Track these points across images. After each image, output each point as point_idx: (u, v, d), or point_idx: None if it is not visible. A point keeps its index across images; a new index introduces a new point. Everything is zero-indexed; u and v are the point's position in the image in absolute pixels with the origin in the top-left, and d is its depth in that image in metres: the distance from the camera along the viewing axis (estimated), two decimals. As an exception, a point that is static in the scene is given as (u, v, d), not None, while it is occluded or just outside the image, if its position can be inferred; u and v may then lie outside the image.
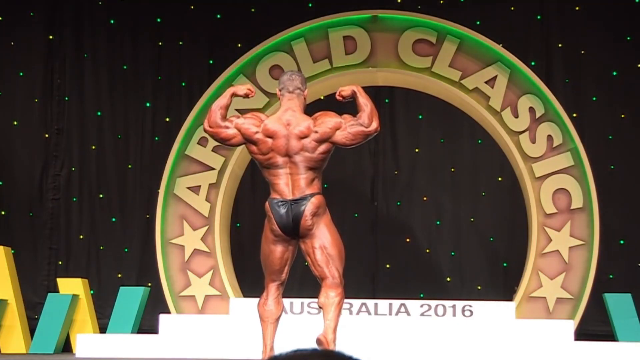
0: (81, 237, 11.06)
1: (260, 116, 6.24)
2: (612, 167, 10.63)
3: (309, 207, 5.96)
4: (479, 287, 10.80)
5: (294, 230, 6.00)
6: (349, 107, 6.50)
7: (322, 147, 6.04)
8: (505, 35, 10.47)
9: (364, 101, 6.11)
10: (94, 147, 11.12)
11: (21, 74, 11.18)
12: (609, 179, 10.47)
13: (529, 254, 9.59)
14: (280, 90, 6.23)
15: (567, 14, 10.81)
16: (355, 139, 6.09)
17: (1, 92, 11.21)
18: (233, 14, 11.07)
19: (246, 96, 6.35)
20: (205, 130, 6.32)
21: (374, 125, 6.08)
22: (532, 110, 9.70)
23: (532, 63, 10.42)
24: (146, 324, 9.93)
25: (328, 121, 6.06)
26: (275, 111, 6.69)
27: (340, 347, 5.44)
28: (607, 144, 10.64)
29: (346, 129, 6.05)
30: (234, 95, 6.29)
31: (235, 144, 6.27)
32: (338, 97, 6.26)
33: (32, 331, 9.69)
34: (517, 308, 9.30)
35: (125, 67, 11.15)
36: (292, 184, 6.00)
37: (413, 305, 9.26)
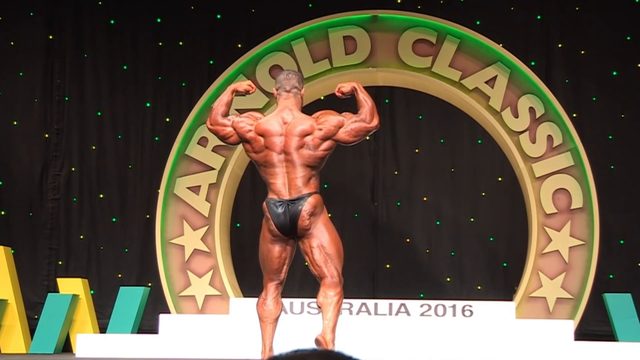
0: (81, 237, 11.06)
1: (256, 115, 6.27)
2: (612, 167, 10.63)
3: (306, 207, 5.96)
4: (479, 287, 10.80)
5: (291, 230, 6.00)
6: (348, 105, 6.50)
7: (325, 145, 6.06)
8: (505, 35, 10.46)
9: (364, 97, 6.13)
10: (94, 147, 11.12)
11: (21, 74, 11.18)
12: (609, 179, 10.46)
13: (529, 254, 9.59)
14: (277, 90, 6.24)
15: (567, 14, 10.81)
16: (357, 136, 6.12)
17: (1, 92, 11.21)
18: (233, 14, 11.07)
19: (247, 92, 6.38)
20: (207, 129, 6.37)
21: (375, 121, 6.12)
22: (532, 110, 9.70)
23: (532, 63, 10.42)
24: (146, 324, 9.93)
25: (331, 119, 6.09)
26: (273, 111, 6.70)
27: (340, 347, 5.44)
28: (607, 144, 10.64)
29: (348, 126, 6.08)
30: (235, 91, 6.32)
31: (232, 142, 6.30)
32: (337, 93, 6.28)
33: (32, 331, 9.69)
34: (517, 308, 9.30)
35: (125, 67, 11.15)
36: (288, 183, 6.01)
37: (413, 305, 9.26)
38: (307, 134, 6.03)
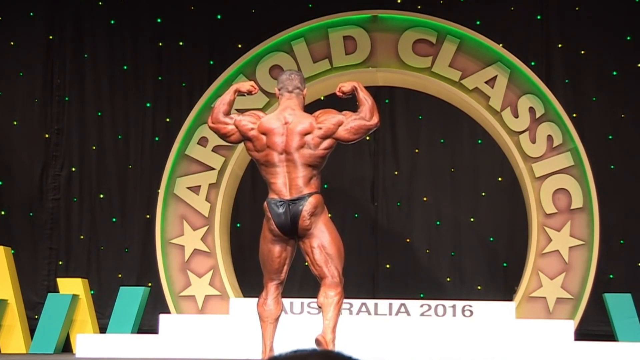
0: (81, 237, 11.06)
1: (258, 114, 6.28)
2: (612, 167, 10.63)
3: (307, 207, 5.96)
4: (479, 287, 10.80)
5: (292, 230, 6.00)
6: (348, 105, 6.51)
7: (325, 144, 6.06)
8: (505, 35, 10.47)
9: (364, 96, 6.14)
10: (94, 147, 11.12)
11: (21, 74, 11.18)
12: (609, 179, 10.46)
13: (529, 254, 9.59)
14: (279, 90, 6.25)
15: (567, 14, 10.81)
16: (357, 134, 6.11)
17: (1, 92, 11.21)
18: (233, 14, 11.08)
19: (249, 93, 6.38)
20: (209, 127, 6.37)
21: (375, 119, 6.11)
22: (532, 110, 9.70)
23: (532, 63, 10.42)
24: (146, 324, 9.94)
25: (331, 118, 6.09)
26: (275, 109, 6.70)
27: (340, 347, 5.44)
28: (607, 144, 10.64)
29: (348, 124, 6.08)
30: (237, 91, 6.32)
31: (234, 140, 6.30)
32: (338, 93, 6.29)
33: (32, 331, 9.69)
34: (517, 308, 9.30)
35: (125, 67, 11.15)
36: (289, 183, 6.01)
37: (413, 305, 9.26)
38: (307, 133, 6.04)
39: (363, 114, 6.10)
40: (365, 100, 6.12)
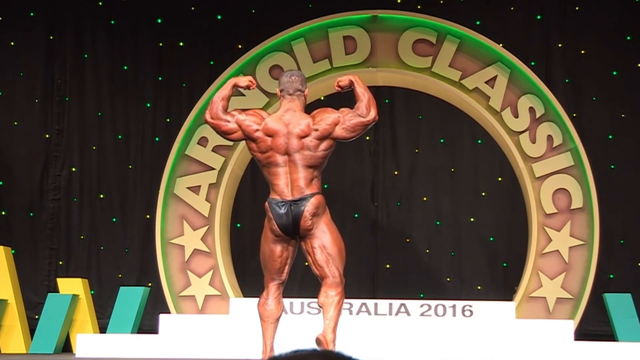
0: (81, 237, 11.06)
1: (261, 114, 6.24)
2: (612, 167, 10.64)
3: (308, 208, 5.96)
4: (479, 287, 10.80)
5: (293, 230, 6.00)
6: (348, 102, 6.50)
7: (324, 145, 6.05)
8: (505, 35, 10.47)
9: (361, 91, 6.10)
10: (94, 147, 11.12)
11: (21, 74, 11.18)
12: (609, 179, 10.46)
13: (529, 254, 9.59)
14: (280, 91, 6.24)
15: (567, 14, 10.81)
16: (355, 131, 6.08)
17: (1, 92, 11.21)
18: (233, 14, 11.08)
19: (247, 88, 6.37)
20: (206, 121, 6.35)
21: (372, 114, 6.06)
22: (532, 110, 9.71)
23: (532, 63, 10.41)
24: (146, 324, 9.94)
25: (327, 118, 6.07)
26: (276, 110, 6.70)
27: (340, 347, 5.44)
28: (607, 144, 10.64)
29: (345, 122, 6.05)
30: (235, 86, 6.31)
31: (234, 139, 6.28)
32: (336, 88, 6.27)
33: (32, 331, 9.69)
34: (517, 308, 9.30)
35: (125, 67, 11.15)
36: (291, 184, 6.00)
37: (413, 305, 9.26)
38: (306, 135, 6.03)
39: (360, 111, 6.07)
40: (362, 95, 6.09)
